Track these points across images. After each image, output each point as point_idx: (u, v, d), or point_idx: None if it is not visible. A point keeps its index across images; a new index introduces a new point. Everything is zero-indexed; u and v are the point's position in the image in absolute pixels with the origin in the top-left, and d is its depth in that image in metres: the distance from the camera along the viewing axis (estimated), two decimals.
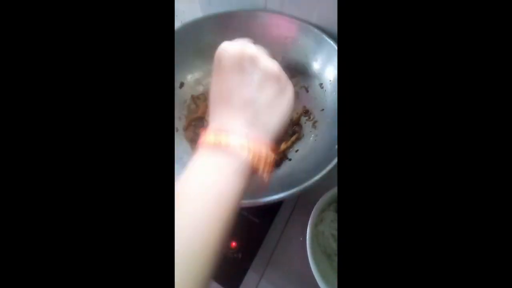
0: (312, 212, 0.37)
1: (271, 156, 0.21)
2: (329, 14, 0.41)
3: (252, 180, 0.21)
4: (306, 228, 0.36)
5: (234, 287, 0.39)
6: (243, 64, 0.22)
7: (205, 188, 0.19)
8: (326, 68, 0.45)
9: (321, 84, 0.46)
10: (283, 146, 0.43)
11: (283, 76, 0.24)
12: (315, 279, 0.34)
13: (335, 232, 0.38)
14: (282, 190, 0.32)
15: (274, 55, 0.25)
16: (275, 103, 0.23)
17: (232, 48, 0.23)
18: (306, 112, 0.46)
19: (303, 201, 0.44)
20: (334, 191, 0.38)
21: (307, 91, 0.47)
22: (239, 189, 0.20)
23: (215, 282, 0.39)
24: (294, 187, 0.32)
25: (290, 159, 0.42)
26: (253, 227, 0.42)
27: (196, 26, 0.46)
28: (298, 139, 0.45)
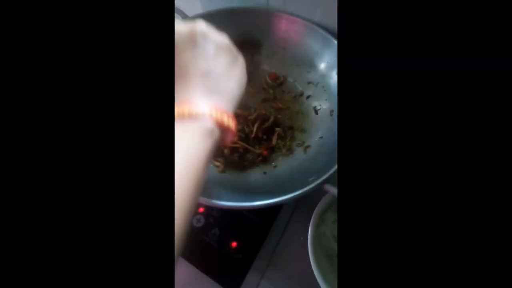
0: (314, 213, 0.37)
1: (232, 122, 0.24)
2: (332, 11, 0.40)
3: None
4: (307, 227, 0.36)
5: (235, 287, 0.39)
6: (195, 39, 0.23)
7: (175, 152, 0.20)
8: (332, 70, 0.44)
9: (325, 111, 0.45)
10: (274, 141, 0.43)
11: (234, 47, 0.26)
12: (316, 280, 0.34)
13: (336, 233, 0.38)
14: (281, 194, 0.31)
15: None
16: (230, 72, 0.25)
17: (183, 26, 0.24)
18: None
19: (305, 201, 0.43)
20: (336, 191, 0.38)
21: (317, 113, 0.45)
22: (206, 150, 0.22)
23: (216, 282, 0.39)
24: (294, 191, 0.31)
25: (275, 166, 0.42)
26: (254, 227, 0.42)
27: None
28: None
